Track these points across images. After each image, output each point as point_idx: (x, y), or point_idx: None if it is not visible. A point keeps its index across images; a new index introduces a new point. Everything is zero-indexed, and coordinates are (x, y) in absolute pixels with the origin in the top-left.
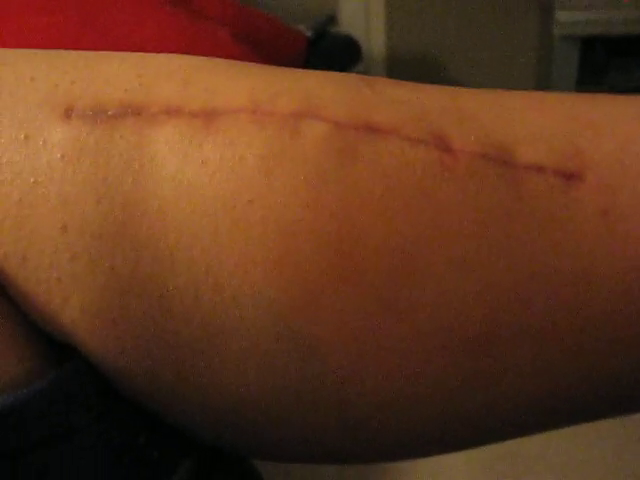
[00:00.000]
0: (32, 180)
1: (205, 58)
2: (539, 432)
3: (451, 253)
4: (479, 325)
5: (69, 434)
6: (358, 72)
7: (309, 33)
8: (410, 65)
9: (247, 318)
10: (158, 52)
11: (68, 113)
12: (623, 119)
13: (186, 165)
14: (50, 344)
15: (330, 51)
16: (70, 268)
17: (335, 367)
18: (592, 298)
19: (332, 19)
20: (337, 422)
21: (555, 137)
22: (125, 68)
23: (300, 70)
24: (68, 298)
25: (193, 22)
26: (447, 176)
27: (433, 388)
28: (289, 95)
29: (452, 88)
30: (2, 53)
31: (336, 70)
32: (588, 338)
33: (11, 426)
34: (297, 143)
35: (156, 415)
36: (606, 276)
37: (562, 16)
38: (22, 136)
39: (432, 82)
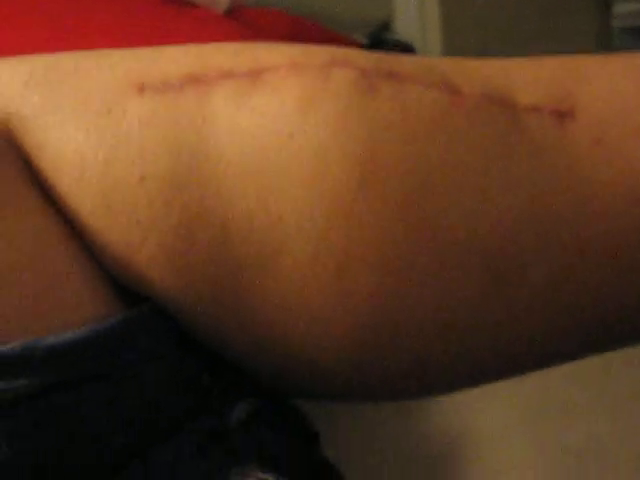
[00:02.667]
0: (115, 142)
1: (250, 42)
2: (560, 360)
3: (462, 175)
4: (490, 240)
5: (137, 365)
6: None
7: (364, 41)
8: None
9: (291, 235)
10: None
11: (142, 88)
12: (610, 68)
13: (239, 113)
14: (122, 292)
15: None
16: (148, 211)
17: (364, 283)
18: (595, 217)
19: (387, 26)
20: (358, 339)
21: (550, 83)
22: (185, 50)
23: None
24: (146, 237)
25: (249, 35)
26: (455, 111)
27: (447, 296)
28: (322, 52)
29: (461, 57)
30: (86, 52)
31: None
32: (591, 259)
33: (80, 358)
34: (328, 85)
35: (219, 354)
36: (602, 196)
37: (620, 7)
38: (105, 109)
39: None
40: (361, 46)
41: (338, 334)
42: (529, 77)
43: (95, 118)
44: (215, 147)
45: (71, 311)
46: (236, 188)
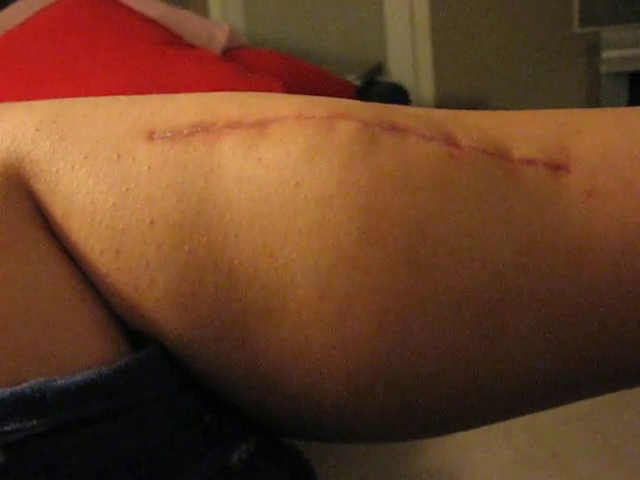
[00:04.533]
0: (125, 188)
1: (258, 92)
2: (551, 404)
3: (460, 225)
4: (486, 290)
5: (142, 406)
6: None
7: (358, 82)
8: (458, 109)
9: (296, 281)
10: None
11: (151, 136)
12: (603, 123)
13: (246, 163)
14: (128, 335)
15: (378, 99)
16: (156, 255)
17: (365, 328)
18: (587, 267)
19: (380, 68)
20: (350, 379)
21: (544, 137)
22: (193, 99)
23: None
24: (154, 280)
25: (247, 76)
26: (454, 164)
27: (447, 347)
28: (325, 104)
29: (459, 109)
30: (95, 99)
31: None
32: (584, 305)
33: (89, 399)
34: (332, 137)
35: (220, 395)
36: (595, 247)
37: (608, 54)
38: (115, 156)
39: None
40: (354, 87)
41: (339, 378)
42: (524, 130)
43: (105, 164)
44: (223, 195)
45: (80, 353)
46: (243, 234)
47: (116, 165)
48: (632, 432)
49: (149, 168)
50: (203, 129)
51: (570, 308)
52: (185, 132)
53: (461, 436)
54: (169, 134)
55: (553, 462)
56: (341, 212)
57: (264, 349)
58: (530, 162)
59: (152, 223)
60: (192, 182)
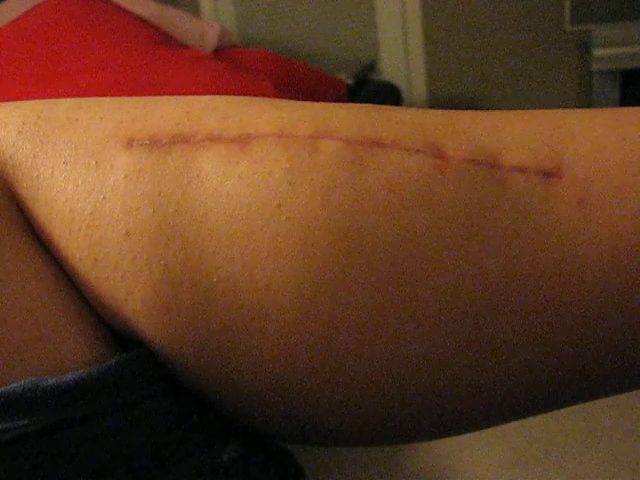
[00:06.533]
0: (102, 197)
1: (242, 97)
2: (543, 409)
3: (446, 241)
4: (475, 301)
5: (129, 406)
6: None
7: (350, 81)
8: (451, 108)
9: (278, 303)
10: None
11: (130, 143)
12: (596, 126)
13: (225, 179)
14: (114, 336)
15: (370, 98)
16: (132, 267)
17: (352, 347)
18: (576, 278)
19: (373, 67)
20: (341, 392)
21: (536, 143)
22: (176, 107)
23: (320, 103)
24: (131, 292)
25: (238, 75)
26: (440, 178)
27: (437, 359)
28: (308, 122)
29: (451, 110)
30: (78, 100)
31: None
32: (574, 314)
33: (80, 397)
34: (315, 158)
35: (205, 399)
36: (587, 257)
37: (600, 52)
38: (94, 162)
39: None
40: (346, 86)
41: (325, 390)
42: (516, 135)
43: (84, 170)
44: (200, 209)
45: (70, 353)
46: (221, 252)
47: (94, 172)
48: (626, 430)
49: (126, 176)
50: (183, 140)
51: (559, 317)
52: (164, 141)
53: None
54: (148, 142)
55: (547, 460)
56: (325, 234)
57: (246, 369)
58: (521, 170)
59: (127, 234)
60: (169, 193)
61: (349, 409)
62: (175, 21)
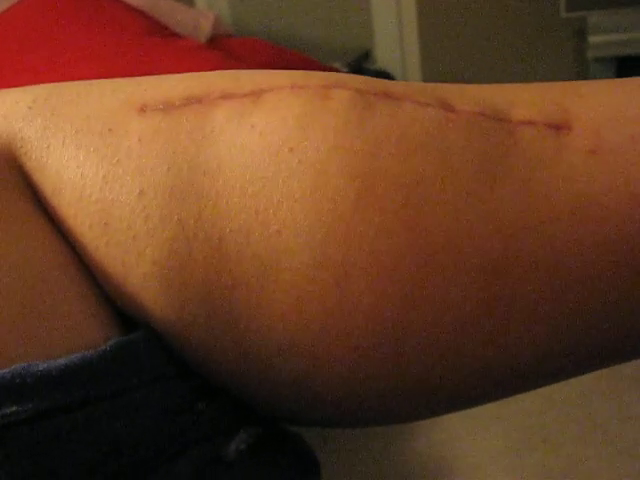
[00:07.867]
0: (115, 160)
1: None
2: (557, 377)
3: (459, 186)
4: (490, 250)
5: (125, 394)
6: None
7: (345, 70)
8: None
9: (290, 249)
10: None
11: (143, 109)
12: (603, 87)
13: (239, 130)
14: (119, 318)
15: None
16: (145, 226)
17: (365, 296)
18: (594, 224)
19: (367, 55)
20: (353, 342)
21: (544, 101)
22: (186, 76)
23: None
24: (142, 252)
25: (233, 64)
26: (451, 126)
27: (450, 310)
28: (320, 76)
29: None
30: (86, 81)
31: None
32: (591, 263)
33: (72, 384)
34: (327, 104)
35: (212, 382)
36: (602, 205)
37: (595, 38)
38: (107, 129)
39: None
40: None
41: (337, 352)
42: (524, 96)
43: (97, 137)
44: (214, 162)
45: (68, 334)
46: (234, 202)
47: (107, 138)
48: (622, 417)
49: (140, 140)
50: (196, 101)
51: (576, 267)
52: (178, 104)
53: (451, 421)
54: (161, 106)
55: (543, 447)
56: (336, 176)
57: (256, 328)
58: (530, 123)
59: (141, 193)
60: (183, 150)
61: (361, 376)
62: (169, 11)
